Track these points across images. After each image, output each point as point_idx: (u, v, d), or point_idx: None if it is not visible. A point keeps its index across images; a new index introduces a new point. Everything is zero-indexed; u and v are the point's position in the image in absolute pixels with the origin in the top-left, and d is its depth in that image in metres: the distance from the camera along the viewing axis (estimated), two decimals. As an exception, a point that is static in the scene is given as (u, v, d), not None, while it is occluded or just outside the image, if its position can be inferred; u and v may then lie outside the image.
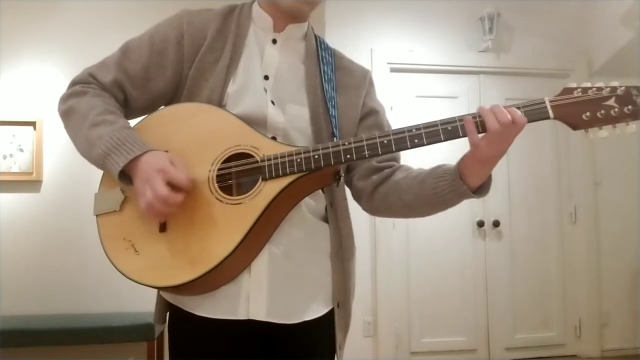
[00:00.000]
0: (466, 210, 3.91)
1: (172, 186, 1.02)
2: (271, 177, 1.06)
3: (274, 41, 1.22)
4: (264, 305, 1.10)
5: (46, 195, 3.60)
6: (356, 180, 1.25)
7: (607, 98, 0.99)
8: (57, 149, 3.58)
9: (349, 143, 1.05)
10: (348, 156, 1.05)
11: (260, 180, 1.06)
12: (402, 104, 3.86)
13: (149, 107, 1.21)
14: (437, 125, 1.03)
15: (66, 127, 1.16)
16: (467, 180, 1.07)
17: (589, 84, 1.01)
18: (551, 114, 1.01)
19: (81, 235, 3.39)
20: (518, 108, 1.01)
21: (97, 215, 1.13)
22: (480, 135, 1.02)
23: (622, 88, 0.99)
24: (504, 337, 3.90)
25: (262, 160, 1.07)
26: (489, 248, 3.96)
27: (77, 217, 3.41)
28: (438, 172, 1.12)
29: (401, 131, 1.04)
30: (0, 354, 3.11)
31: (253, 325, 1.10)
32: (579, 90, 1.01)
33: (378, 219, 3.65)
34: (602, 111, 0.99)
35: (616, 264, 4.01)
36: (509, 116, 0.99)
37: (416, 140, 1.03)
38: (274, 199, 1.04)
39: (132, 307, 3.36)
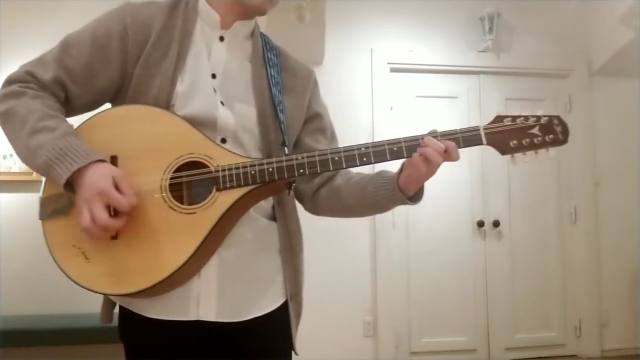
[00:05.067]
0: (466, 210, 3.91)
1: (114, 209, 1.00)
2: (225, 188, 1.06)
3: (221, 38, 1.20)
4: (214, 306, 1.11)
5: (46, 195, 3.59)
6: (298, 183, 1.27)
7: (532, 127, 1.09)
8: (57, 149, 3.57)
9: (302, 158, 1.09)
10: (301, 171, 1.08)
11: (214, 190, 1.06)
12: (402, 104, 3.86)
13: (93, 104, 1.18)
14: (384, 145, 1.09)
15: (4, 130, 1.10)
16: (404, 192, 1.14)
17: (517, 113, 1.10)
18: (484, 141, 1.09)
19: (81, 235, 3.39)
20: (455, 133, 1.09)
21: (42, 221, 1.08)
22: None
23: (546, 118, 1.09)
24: (504, 337, 3.90)
25: (217, 171, 1.07)
26: (489, 248, 3.96)
27: (77, 217, 3.41)
28: (378, 182, 1.18)
29: (351, 149, 1.10)
30: (0, 354, 3.10)
31: (205, 325, 1.11)
32: (509, 118, 1.10)
33: (378, 219, 3.65)
34: (527, 139, 1.09)
35: (616, 263, 4.01)
36: (443, 147, 1.07)
37: (364, 159, 1.09)
38: (228, 209, 1.05)
39: (132, 307, 3.36)
